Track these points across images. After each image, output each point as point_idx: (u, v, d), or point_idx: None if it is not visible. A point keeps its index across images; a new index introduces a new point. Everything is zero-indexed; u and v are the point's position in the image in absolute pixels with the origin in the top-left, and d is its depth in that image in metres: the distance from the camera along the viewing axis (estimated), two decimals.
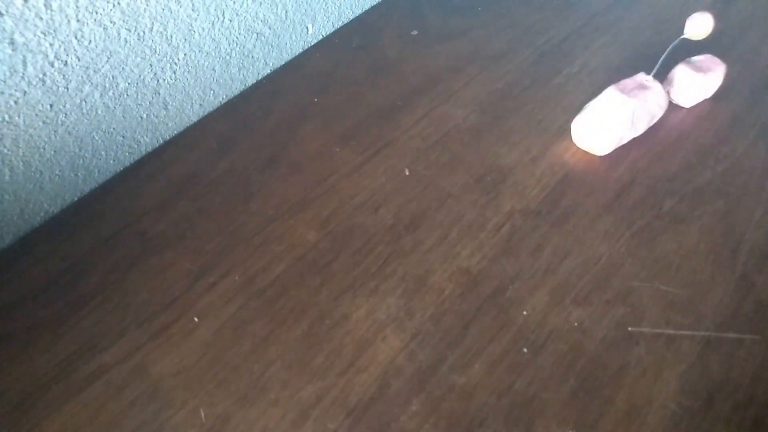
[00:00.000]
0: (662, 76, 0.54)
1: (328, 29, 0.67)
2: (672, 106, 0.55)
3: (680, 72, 0.54)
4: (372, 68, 0.62)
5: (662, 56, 0.51)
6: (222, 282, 0.45)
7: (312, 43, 0.66)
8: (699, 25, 0.50)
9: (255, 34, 0.58)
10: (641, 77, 0.51)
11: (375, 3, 0.71)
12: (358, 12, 0.70)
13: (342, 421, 0.37)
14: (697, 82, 0.53)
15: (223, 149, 0.55)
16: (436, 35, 0.66)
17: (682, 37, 0.52)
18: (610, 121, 0.49)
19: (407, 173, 0.51)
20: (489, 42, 0.64)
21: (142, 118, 0.52)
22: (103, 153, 0.51)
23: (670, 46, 0.51)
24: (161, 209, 0.50)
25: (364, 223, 0.48)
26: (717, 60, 0.54)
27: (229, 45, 0.56)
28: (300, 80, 0.62)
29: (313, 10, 0.63)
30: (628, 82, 0.51)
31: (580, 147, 0.52)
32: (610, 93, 0.50)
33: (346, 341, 0.41)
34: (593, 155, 0.51)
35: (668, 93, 0.54)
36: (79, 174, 0.50)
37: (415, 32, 0.66)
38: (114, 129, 0.51)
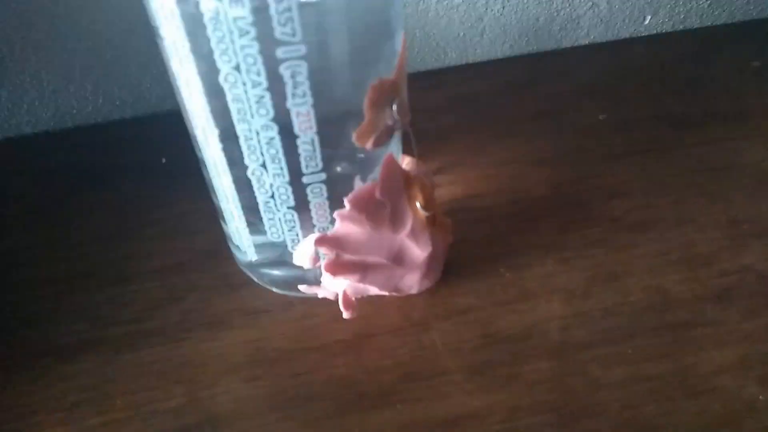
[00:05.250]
0: None
1: (666, 28, 0.65)
2: None
3: None
4: (678, 85, 0.59)
5: None
6: None
7: (642, 34, 0.65)
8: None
9: (591, 2, 0.60)
10: None
11: (725, 21, 0.66)
12: (708, 23, 0.66)
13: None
14: None
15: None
16: None
17: None
18: None
19: None
20: None
21: (458, 35, 0.59)
22: (416, 50, 0.60)
23: None
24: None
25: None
26: None
27: (561, 3, 0.59)
28: (618, 66, 0.62)
29: (659, 2, 0.62)
30: None
31: None
32: None
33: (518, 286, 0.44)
34: None
35: None
36: None
37: (756, 63, 0.60)
38: (432, 34, 0.59)
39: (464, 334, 0.41)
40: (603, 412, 0.37)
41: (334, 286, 0.39)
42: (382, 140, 0.33)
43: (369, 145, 0.32)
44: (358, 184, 0.34)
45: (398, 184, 0.37)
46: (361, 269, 0.38)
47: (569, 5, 0.58)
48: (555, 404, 0.38)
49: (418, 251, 0.39)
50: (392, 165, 0.35)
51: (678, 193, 0.49)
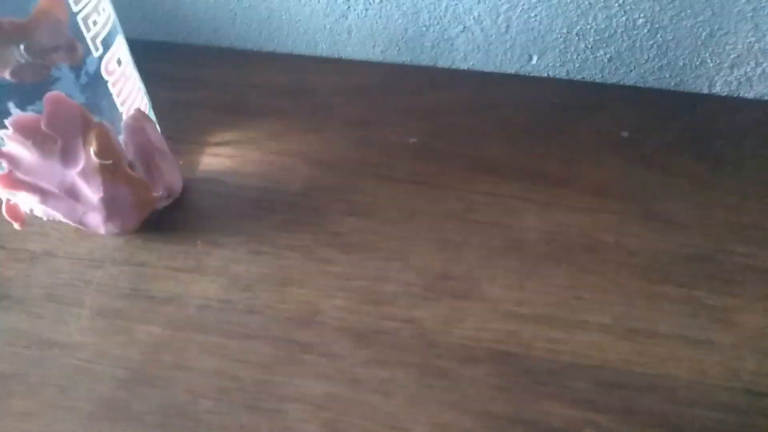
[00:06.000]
0: None
1: (559, 73, 0.60)
2: None
3: None
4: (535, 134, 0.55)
5: None
6: None
7: (531, 74, 0.60)
8: None
9: (461, 26, 0.57)
10: None
11: (611, 81, 0.59)
12: (592, 77, 0.59)
13: None
14: None
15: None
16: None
17: None
18: None
19: None
20: None
21: (324, 27, 0.60)
22: (285, 33, 0.62)
23: None
24: None
25: None
26: None
27: (429, 19, 0.57)
28: (470, 97, 0.59)
29: (545, 44, 0.57)
30: None
31: None
32: None
33: None
34: None
35: None
36: None
37: (625, 134, 0.54)
38: (299, 20, 0.60)
39: (121, 282, 0.44)
40: (167, 386, 0.39)
41: (21, 202, 0.44)
42: (24, 75, 0.37)
43: (6, 74, 0.37)
44: (15, 111, 0.39)
45: (73, 125, 0.41)
46: (39, 192, 0.43)
47: (438, 22, 0.56)
48: (134, 361, 0.39)
49: (90, 193, 0.43)
50: (57, 104, 0.39)
51: (415, 230, 0.47)
